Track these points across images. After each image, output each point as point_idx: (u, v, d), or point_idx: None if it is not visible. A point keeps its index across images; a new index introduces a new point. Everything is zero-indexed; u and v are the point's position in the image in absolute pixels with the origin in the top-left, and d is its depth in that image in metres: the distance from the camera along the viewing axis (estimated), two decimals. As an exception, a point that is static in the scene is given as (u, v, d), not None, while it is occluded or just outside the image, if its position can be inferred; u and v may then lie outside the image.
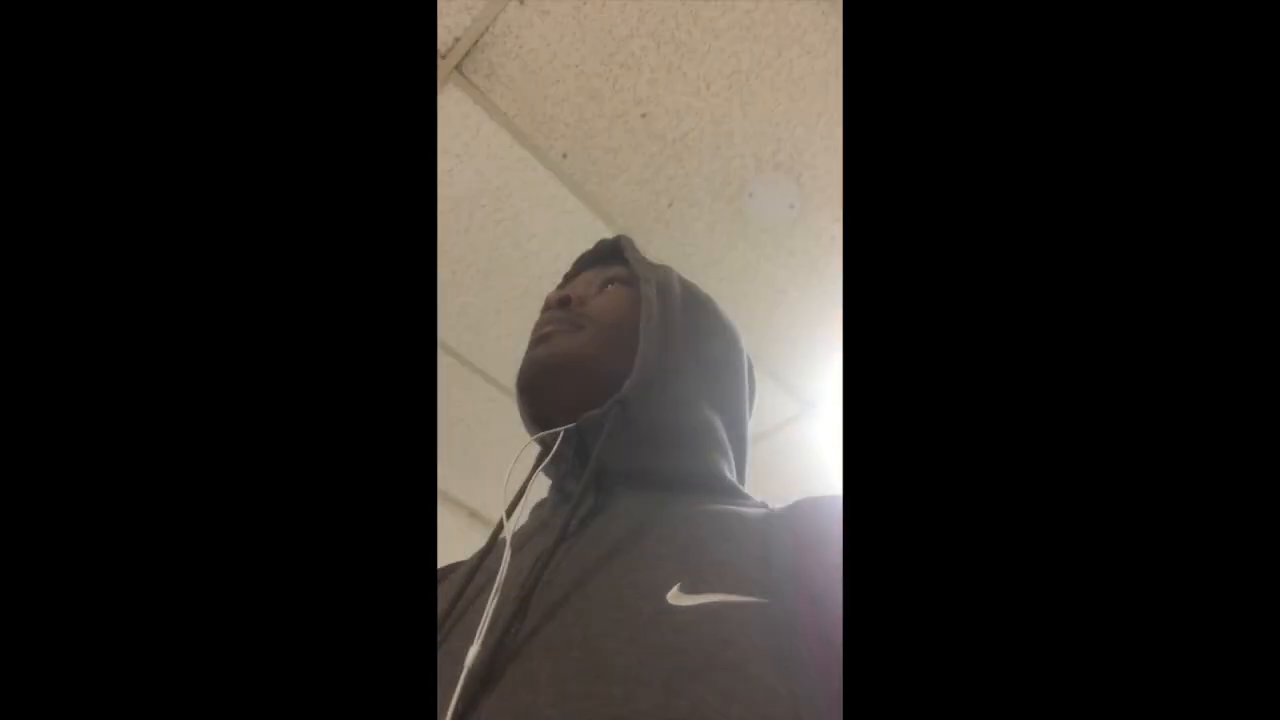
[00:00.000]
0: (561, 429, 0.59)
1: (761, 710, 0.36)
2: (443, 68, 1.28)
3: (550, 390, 0.62)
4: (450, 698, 0.40)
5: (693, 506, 0.55)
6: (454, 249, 1.53)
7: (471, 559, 0.52)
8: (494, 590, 0.47)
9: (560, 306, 0.66)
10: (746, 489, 0.65)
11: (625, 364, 0.60)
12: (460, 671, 0.42)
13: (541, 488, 0.64)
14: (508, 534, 0.52)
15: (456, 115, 1.35)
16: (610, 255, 0.75)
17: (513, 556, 0.51)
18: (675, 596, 0.43)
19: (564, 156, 1.42)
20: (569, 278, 0.76)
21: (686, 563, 0.46)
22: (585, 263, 0.76)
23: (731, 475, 0.64)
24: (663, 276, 0.68)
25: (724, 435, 0.65)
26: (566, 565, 0.49)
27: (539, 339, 0.64)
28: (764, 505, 0.59)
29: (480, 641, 0.43)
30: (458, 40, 1.25)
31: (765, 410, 1.71)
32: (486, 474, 1.95)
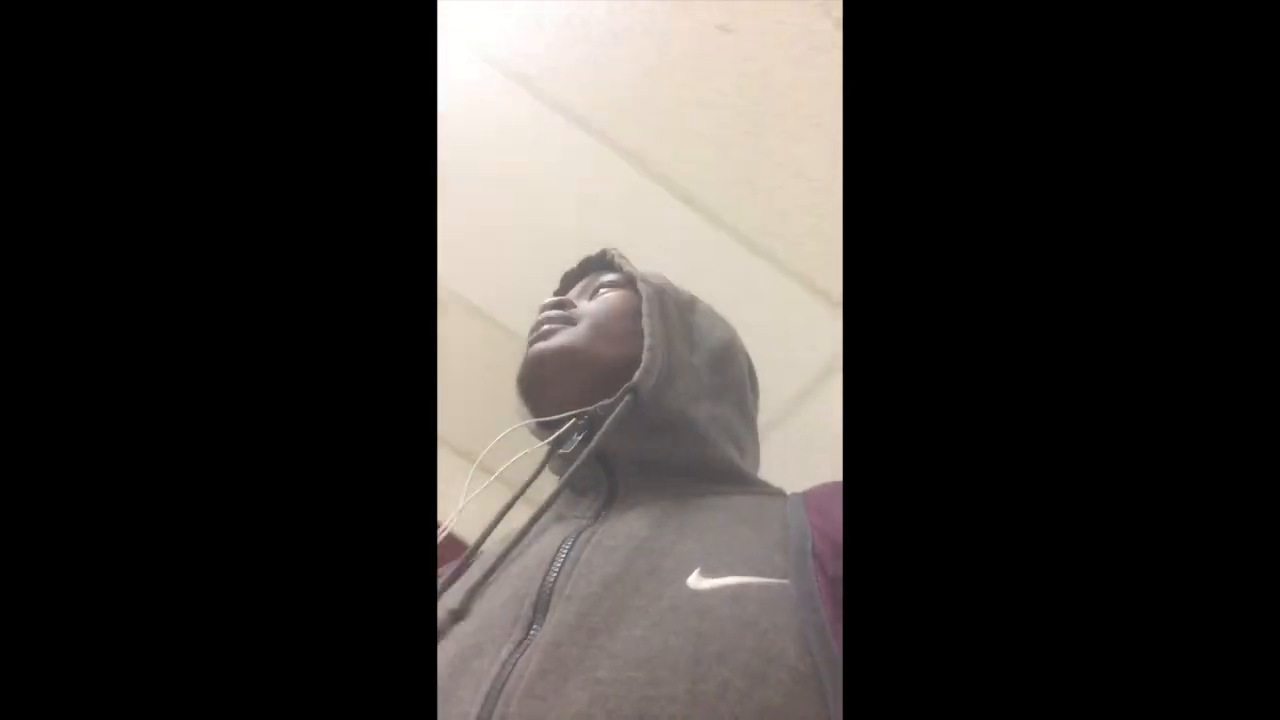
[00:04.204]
0: (573, 414, 0.60)
1: (787, 690, 0.37)
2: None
3: (551, 384, 0.64)
4: (477, 693, 0.41)
5: (708, 494, 0.58)
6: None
7: (485, 557, 0.54)
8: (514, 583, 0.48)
9: (556, 307, 0.69)
10: (763, 476, 0.67)
11: (625, 357, 0.63)
12: (490, 666, 0.43)
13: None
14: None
15: None
16: (598, 267, 0.78)
17: (530, 549, 0.53)
18: (695, 580, 0.44)
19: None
20: (557, 294, 0.79)
21: (705, 547, 0.48)
22: (571, 278, 0.79)
23: (745, 465, 0.66)
24: (658, 278, 0.70)
25: (736, 426, 0.68)
26: (587, 556, 0.50)
27: (536, 337, 0.66)
28: (781, 492, 0.61)
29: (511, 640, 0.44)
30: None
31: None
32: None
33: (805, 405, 1.48)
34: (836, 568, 0.44)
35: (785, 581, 0.43)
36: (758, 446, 0.72)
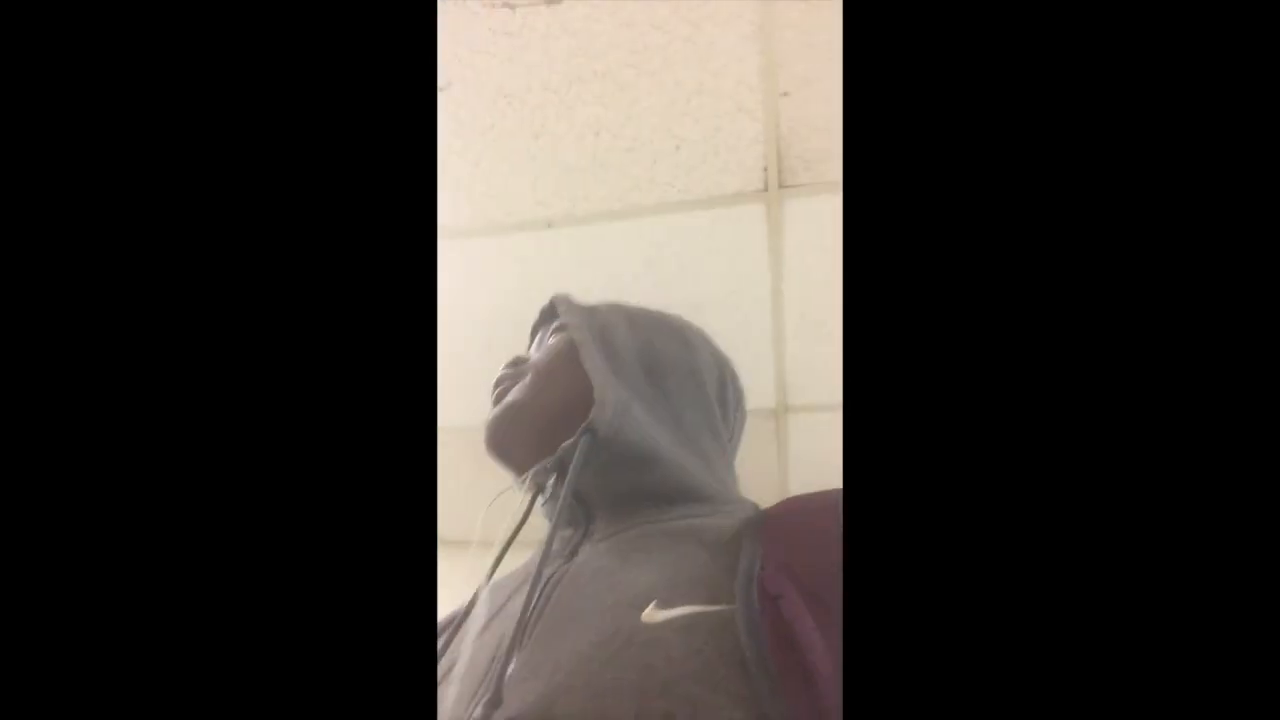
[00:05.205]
0: (535, 467, 0.63)
1: (727, 715, 0.40)
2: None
3: (510, 441, 0.67)
4: None
5: (677, 519, 0.61)
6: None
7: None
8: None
9: (509, 366, 0.73)
10: (739, 476, 0.72)
11: (577, 396, 0.64)
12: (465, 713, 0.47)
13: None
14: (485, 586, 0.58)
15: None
16: (550, 316, 0.81)
17: (517, 592, 0.58)
18: (650, 613, 0.48)
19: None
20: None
21: (666, 579, 0.51)
22: (534, 330, 0.83)
23: (712, 480, 0.69)
24: (597, 313, 0.73)
25: (704, 440, 0.71)
26: (556, 596, 0.54)
27: (494, 400, 0.70)
28: (753, 506, 0.64)
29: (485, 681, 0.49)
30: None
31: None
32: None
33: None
34: (778, 584, 0.46)
35: (732, 606, 0.46)
36: (732, 451, 0.76)
